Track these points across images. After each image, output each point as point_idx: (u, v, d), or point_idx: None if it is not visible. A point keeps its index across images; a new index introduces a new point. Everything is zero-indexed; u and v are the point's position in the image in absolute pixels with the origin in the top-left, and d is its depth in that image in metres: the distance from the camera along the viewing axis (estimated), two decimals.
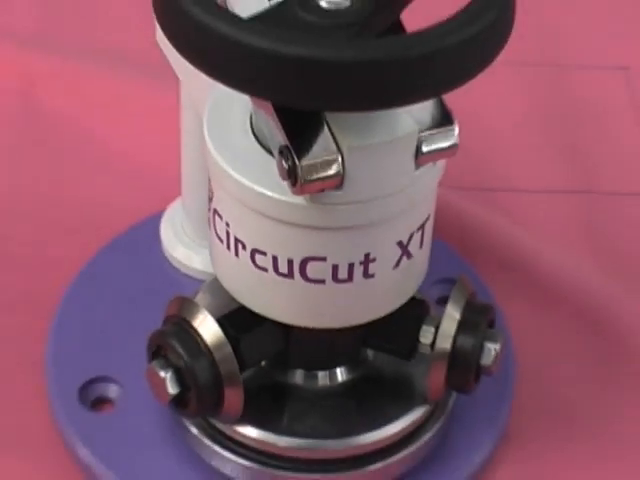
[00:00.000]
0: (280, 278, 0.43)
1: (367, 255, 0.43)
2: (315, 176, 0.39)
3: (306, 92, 0.37)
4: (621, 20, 0.77)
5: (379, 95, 0.37)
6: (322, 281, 0.43)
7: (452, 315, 0.46)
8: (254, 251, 0.43)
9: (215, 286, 0.50)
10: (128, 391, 0.52)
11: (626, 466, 0.52)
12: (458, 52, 0.36)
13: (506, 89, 0.72)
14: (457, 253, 0.61)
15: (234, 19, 0.37)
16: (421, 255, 0.46)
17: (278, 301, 0.45)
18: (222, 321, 0.46)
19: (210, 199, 0.46)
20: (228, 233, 0.44)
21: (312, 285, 0.43)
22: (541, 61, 0.74)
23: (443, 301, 0.52)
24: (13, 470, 0.51)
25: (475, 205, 0.64)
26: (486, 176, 0.67)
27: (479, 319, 0.47)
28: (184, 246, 0.58)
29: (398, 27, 0.42)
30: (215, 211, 0.45)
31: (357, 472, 0.49)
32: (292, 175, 0.39)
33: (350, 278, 0.43)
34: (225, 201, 0.44)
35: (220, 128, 0.45)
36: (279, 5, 0.40)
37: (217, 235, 0.45)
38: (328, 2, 0.39)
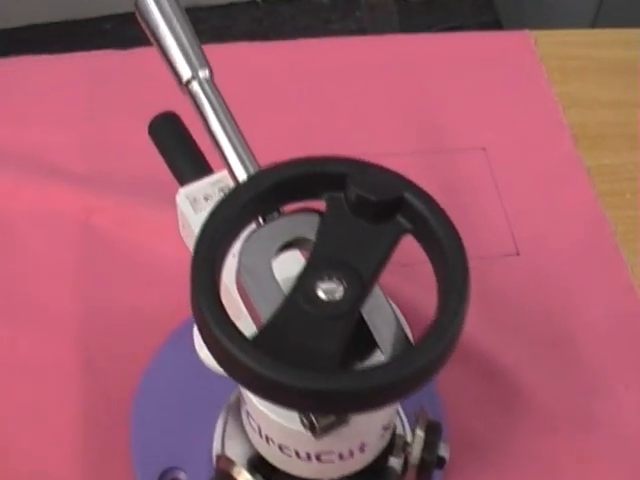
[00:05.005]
0: (300, 461, 0.51)
1: (363, 443, 0.52)
2: (327, 425, 0.48)
3: (281, 401, 0.42)
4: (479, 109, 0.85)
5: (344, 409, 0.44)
6: (332, 461, 0.52)
7: (419, 439, 0.55)
8: (280, 445, 0.51)
9: (240, 433, 0.56)
10: (191, 476, 0.62)
11: (523, 474, 0.65)
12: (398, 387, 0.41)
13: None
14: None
15: (243, 343, 0.40)
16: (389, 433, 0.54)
17: (298, 467, 0.53)
18: (255, 463, 0.54)
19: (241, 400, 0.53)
20: (260, 430, 0.52)
21: (323, 464, 0.52)
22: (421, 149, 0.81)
23: None
24: None
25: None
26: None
27: (434, 439, 0.55)
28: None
29: None
30: (248, 413, 0.51)
31: None
32: (312, 429, 0.48)
33: (351, 456, 0.52)
34: (261, 419, 0.51)
35: None
36: (288, 301, 0.42)
37: (251, 425, 0.52)
38: (325, 293, 0.42)
